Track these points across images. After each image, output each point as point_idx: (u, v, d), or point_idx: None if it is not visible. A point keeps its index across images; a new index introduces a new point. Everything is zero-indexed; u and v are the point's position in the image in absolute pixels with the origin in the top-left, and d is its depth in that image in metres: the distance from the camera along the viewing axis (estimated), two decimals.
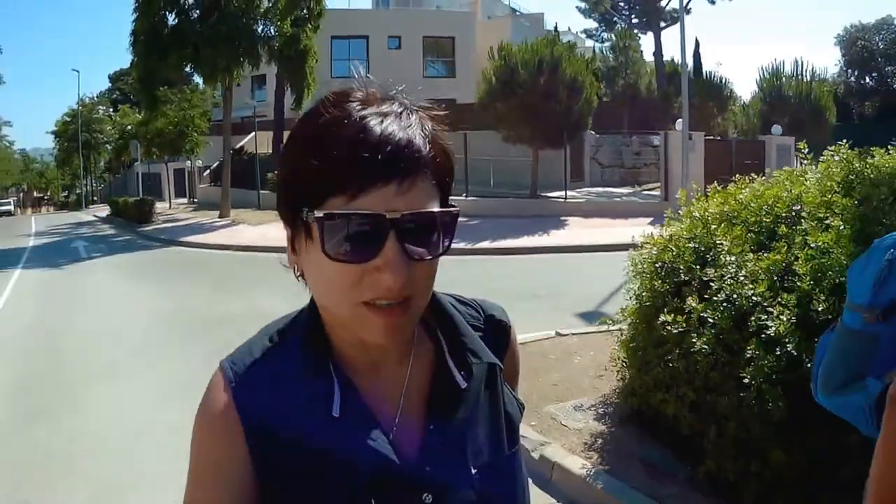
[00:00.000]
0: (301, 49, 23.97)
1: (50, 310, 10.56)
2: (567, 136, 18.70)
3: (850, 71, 39.00)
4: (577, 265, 11.89)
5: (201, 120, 30.04)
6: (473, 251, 13.45)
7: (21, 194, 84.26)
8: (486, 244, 14.21)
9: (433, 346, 0.92)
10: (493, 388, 0.93)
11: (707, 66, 38.29)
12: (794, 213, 3.55)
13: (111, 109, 64.74)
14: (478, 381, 0.90)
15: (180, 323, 8.71)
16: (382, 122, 0.76)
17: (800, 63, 23.77)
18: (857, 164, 3.53)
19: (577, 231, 15.91)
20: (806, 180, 3.79)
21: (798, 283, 3.07)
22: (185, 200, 35.21)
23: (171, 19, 22.91)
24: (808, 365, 2.76)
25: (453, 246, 0.82)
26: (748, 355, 3.00)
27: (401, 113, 0.78)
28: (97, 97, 68.86)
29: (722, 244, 3.52)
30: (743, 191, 4.04)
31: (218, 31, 22.01)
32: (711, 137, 21.43)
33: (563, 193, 19.88)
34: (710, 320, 3.28)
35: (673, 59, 32.36)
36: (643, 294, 4.09)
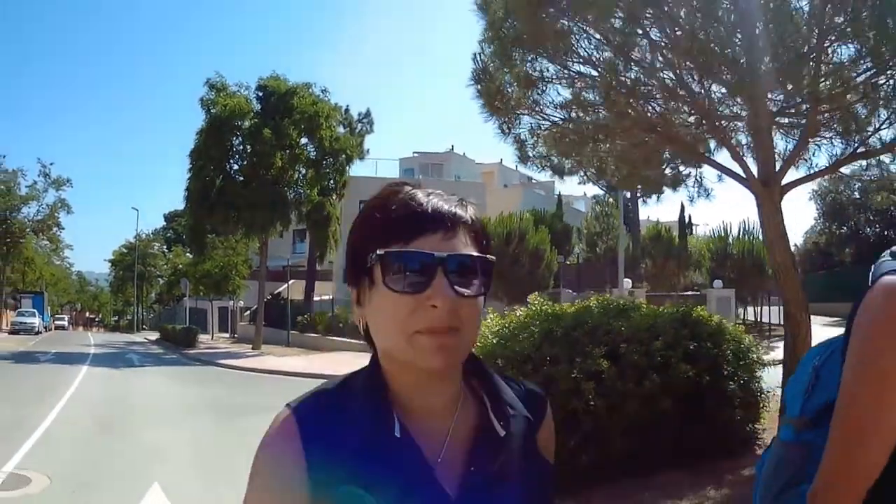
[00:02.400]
0: (325, 215, 28.06)
1: (113, 387, 16.02)
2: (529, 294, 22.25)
3: (825, 223, 39.54)
4: None
5: (243, 266, 34.33)
6: None
7: (74, 313, 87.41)
8: None
9: (477, 406, 1.01)
10: (528, 446, 1.02)
11: (699, 226, 41.10)
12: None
13: (165, 247, 69.01)
14: (515, 432, 0.99)
15: (203, 402, 13.46)
16: (429, 195, 0.95)
17: (745, 223, 26.60)
18: (547, 308, 6.85)
19: None
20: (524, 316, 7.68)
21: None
22: (226, 335, 38.89)
23: (219, 181, 26.93)
24: None
25: None
26: None
27: (442, 194, 0.97)
28: (152, 234, 72.60)
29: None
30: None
31: (255, 195, 25.87)
32: (660, 294, 23.93)
33: None
34: None
35: (658, 222, 36.01)
36: None
